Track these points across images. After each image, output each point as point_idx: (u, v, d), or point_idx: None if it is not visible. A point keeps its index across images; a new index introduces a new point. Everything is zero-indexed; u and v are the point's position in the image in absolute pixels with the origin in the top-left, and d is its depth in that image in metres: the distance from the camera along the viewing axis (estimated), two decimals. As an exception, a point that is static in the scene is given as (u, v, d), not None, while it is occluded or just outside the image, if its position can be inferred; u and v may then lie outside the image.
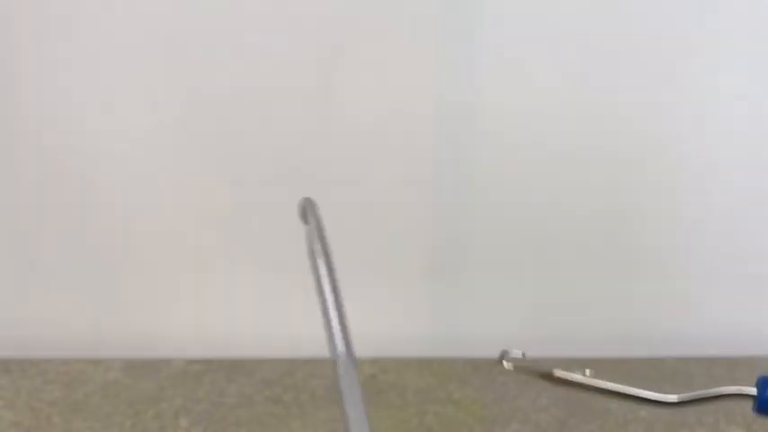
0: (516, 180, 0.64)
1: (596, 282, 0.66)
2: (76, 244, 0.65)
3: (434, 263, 0.66)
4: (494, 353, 0.40)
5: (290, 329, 0.66)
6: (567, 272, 0.66)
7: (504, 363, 0.35)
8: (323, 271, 0.30)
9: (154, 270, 0.66)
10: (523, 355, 0.34)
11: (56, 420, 0.56)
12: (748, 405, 0.33)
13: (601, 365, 0.35)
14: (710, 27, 0.61)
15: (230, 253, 0.65)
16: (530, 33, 0.61)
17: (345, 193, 0.63)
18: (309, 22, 0.60)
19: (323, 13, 0.60)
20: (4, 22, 0.60)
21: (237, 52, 0.61)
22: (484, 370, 0.61)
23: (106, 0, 0.60)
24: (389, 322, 0.65)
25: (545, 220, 0.65)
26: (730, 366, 0.62)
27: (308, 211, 0.33)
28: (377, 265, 0.65)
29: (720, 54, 0.62)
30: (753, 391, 0.32)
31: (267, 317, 0.66)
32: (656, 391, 0.33)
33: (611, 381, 0.33)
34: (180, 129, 0.62)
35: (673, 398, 0.32)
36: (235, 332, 0.67)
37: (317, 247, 0.31)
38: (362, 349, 0.65)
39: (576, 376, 0.32)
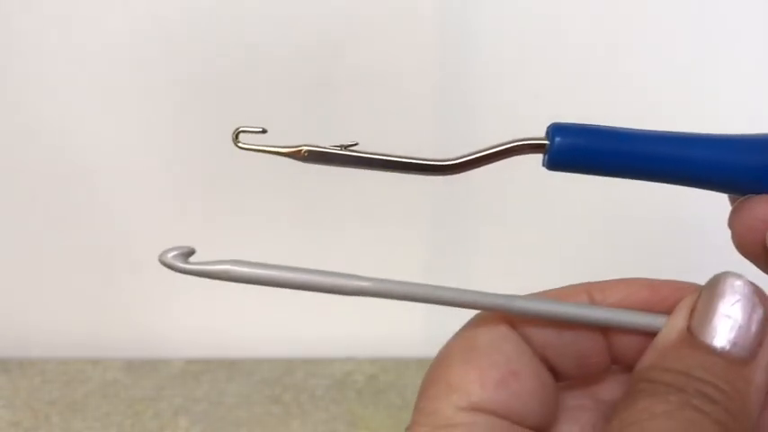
0: (516, 180, 0.64)
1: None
2: (75, 243, 0.65)
3: (434, 262, 0.66)
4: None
5: (290, 329, 0.66)
6: (568, 272, 0.66)
7: (239, 143, 0.26)
8: None
9: (153, 270, 0.65)
10: (264, 130, 0.26)
11: (55, 420, 0.56)
12: (539, 159, 0.27)
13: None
14: (711, 27, 0.61)
15: (230, 253, 0.65)
16: (530, 33, 0.61)
17: (345, 192, 0.63)
18: (309, 18, 0.60)
19: (322, 11, 0.60)
20: (3, 22, 0.60)
21: (236, 51, 0.61)
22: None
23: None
24: (389, 322, 0.65)
25: (545, 220, 0.65)
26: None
27: None
28: (377, 264, 0.65)
29: (721, 54, 0.62)
30: (543, 141, 0.27)
31: (267, 317, 0.66)
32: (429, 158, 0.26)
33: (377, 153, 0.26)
34: (179, 129, 0.62)
35: (449, 161, 0.26)
36: (234, 332, 0.67)
37: None
38: (362, 349, 0.66)
39: (331, 150, 0.27)
